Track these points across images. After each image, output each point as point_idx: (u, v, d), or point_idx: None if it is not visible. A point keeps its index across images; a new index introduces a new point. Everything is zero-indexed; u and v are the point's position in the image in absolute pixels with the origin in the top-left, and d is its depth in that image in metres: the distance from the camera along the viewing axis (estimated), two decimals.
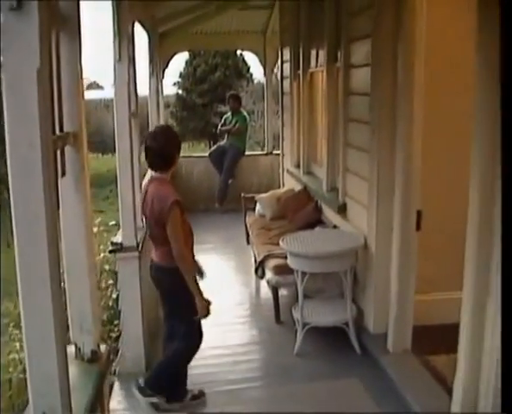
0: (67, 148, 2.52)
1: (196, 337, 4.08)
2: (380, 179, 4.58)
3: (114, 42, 4.42)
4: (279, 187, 8.64)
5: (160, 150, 3.86)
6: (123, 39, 4.43)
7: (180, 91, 23.76)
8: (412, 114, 4.25)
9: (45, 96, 2.00)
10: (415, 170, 4.33)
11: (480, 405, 3.12)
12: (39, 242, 2.02)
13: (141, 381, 4.09)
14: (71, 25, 2.54)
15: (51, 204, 2.01)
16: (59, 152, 2.40)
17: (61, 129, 2.44)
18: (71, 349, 2.74)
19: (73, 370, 2.62)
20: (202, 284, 4.07)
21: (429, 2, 4.16)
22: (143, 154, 4.13)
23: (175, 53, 10.42)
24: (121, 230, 4.68)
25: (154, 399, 4.08)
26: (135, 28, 5.98)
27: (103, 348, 2.85)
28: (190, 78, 23.16)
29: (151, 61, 7.92)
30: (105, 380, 2.80)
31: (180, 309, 4.02)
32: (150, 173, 4.13)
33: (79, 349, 2.74)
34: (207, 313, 3.92)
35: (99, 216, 9.98)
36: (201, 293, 3.87)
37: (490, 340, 3.02)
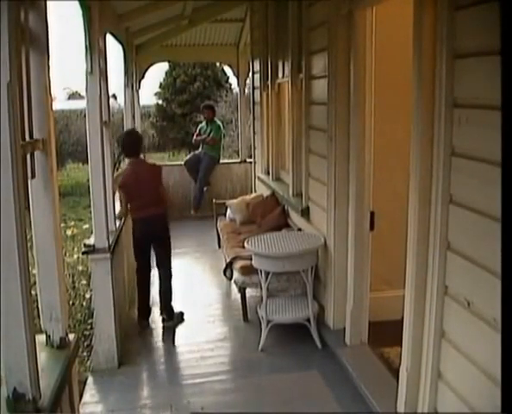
0: (37, 153, 2.78)
1: None
2: (337, 183, 4.90)
3: (85, 55, 4.67)
4: (251, 193, 8.91)
5: (137, 141, 5.81)
6: (94, 52, 4.68)
7: (160, 102, 23.94)
8: (364, 121, 4.57)
9: (14, 106, 2.26)
10: (368, 174, 4.65)
11: (421, 388, 3.43)
12: (9, 238, 2.27)
13: (165, 318, 5.74)
14: (40, 42, 2.80)
15: (19, 202, 2.26)
16: (28, 156, 2.66)
17: (31, 136, 2.69)
18: (42, 337, 3.00)
19: (44, 356, 2.88)
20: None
21: (379, 17, 4.49)
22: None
23: (151, 65, 10.65)
24: (93, 233, 4.92)
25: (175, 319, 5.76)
26: (110, 41, 6.25)
27: (71, 336, 3.10)
28: (169, 88, 23.33)
29: (126, 73, 8.14)
30: (73, 365, 3.05)
31: (167, 240, 5.84)
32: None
33: (49, 337, 2.98)
34: None
35: (78, 224, 10.19)
36: None
37: (427, 332, 3.33)
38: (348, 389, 4.41)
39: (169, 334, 5.56)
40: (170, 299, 5.76)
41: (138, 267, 5.86)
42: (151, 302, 5.98)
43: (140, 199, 5.54)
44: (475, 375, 2.85)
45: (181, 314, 5.83)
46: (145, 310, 5.84)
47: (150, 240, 5.74)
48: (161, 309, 5.78)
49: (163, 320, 5.73)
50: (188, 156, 11.13)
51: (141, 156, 5.89)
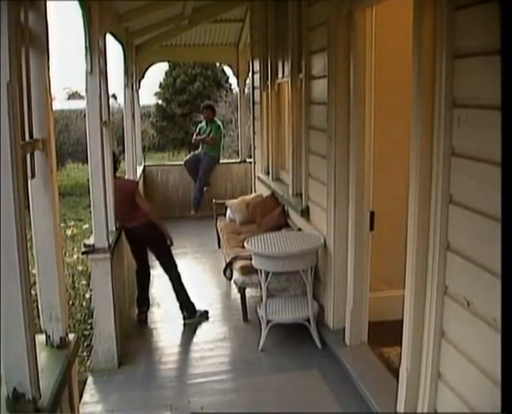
0: (37, 153, 2.77)
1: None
2: (337, 183, 4.90)
3: (85, 55, 4.66)
4: (251, 193, 8.91)
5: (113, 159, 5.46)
6: (94, 52, 4.68)
7: (160, 102, 23.95)
8: (364, 121, 4.58)
9: (14, 106, 2.26)
10: (368, 174, 4.65)
11: (421, 388, 3.43)
12: (9, 238, 2.27)
13: (185, 315, 5.87)
14: (40, 42, 2.79)
15: (19, 201, 2.26)
16: (28, 156, 2.66)
17: (31, 136, 2.69)
18: (42, 337, 3.00)
19: (44, 355, 2.87)
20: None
21: (379, 17, 4.49)
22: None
23: (151, 65, 10.66)
24: (93, 233, 4.92)
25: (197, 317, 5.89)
26: (110, 41, 6.25)
27: (71, 336, 3.10)
28: (169, 88, 23.35)
29: (126, 73, 8.13)
30: (73, 364, 3.05)
31: (162, 246, 5.84)
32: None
33: (49, 337, 2.98)
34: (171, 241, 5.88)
35: (78, 224, 10.19)
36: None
37: (427, 332, 3.33)
38: (348, 389, 4.41)
39: (189, 331, 5.75)
40: (185, 298, 5.90)
41: (136, 268, 6.11)
42: (151, 301, 6.11)
43: (117, 214, 5.59)
44: (475, 375, 2.85)
45: (206, 312, 5.96)
46: (141, 304, 6.02)
47: (139, 246, 5.96)
48: (180, 308, 5.94)
49: (184, 318, 5.88)
50: (188, 156, 11.12)
51: (117, 173, 5.88)
